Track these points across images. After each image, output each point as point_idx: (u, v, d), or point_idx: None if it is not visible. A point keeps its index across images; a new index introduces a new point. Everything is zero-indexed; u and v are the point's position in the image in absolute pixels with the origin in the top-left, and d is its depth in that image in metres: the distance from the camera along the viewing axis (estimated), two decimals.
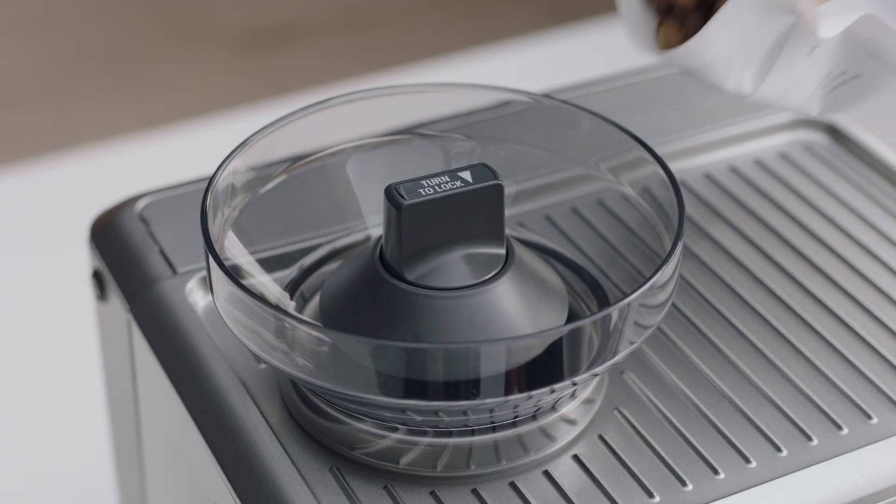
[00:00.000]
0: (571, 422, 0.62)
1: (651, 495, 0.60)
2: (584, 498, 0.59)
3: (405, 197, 0.59)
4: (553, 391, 0.58)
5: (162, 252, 0.71)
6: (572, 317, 0.62)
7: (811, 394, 0.64)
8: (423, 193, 0.59)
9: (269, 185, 0.66)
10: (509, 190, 0.64)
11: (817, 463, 0.61)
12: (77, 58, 1.80)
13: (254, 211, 0.66)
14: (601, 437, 0.62)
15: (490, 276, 0.60)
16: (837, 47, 0.66)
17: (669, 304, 0.60)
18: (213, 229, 0.62)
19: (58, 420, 1.08)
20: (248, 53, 1.81)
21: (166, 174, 0.83)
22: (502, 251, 0.61)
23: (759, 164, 0.79)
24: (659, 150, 0.68)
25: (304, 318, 0.64)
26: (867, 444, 0.62)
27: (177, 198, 0.75)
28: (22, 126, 1.66)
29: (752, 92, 0.67)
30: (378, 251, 0.61)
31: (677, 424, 0.63)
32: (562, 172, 0.70)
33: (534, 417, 0.61)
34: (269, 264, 0.66)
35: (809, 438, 0.62)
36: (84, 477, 1.03)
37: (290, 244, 0.67)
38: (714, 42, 0.65)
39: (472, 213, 0.60)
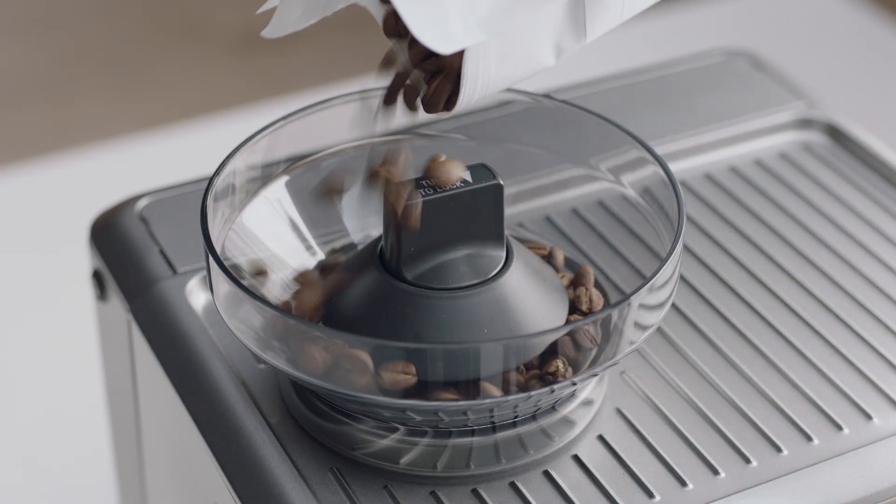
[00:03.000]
0: (571, 422, 0.62)
1: (651, 495, 0.59)
2: (584, 498, 0.59)
3: (405, 197, 0.59)
4: (553, 391, 0.58)
5: (162, 252, 0.71)
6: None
7: (811, 394, 0.64)
8: (424, 193, 0.59)
9: (270, 186, 0.66)
10: (509, 190, 0.64)
11: (817, 463, 0.61)
12: (77, 58, 1.79)
13: (254, 211, 0.66)
14: (601, 437, 0.62)
15: (490, 276, 0.60)
16: None
17: (669, 304, 0.60)
18: (213, 229, 0.62)
19: (58, 420, 1.08)
20: (248, 53, 1.81)
21: (166, 174, 0.83)
22: (502, 251, 0.61)
23: (759, 164, 0.79)
24: (659, 150, 0.68)
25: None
26: (867, 444, 0.62)
27: (177, 198, 0.75)
28: (22, 126, 1.66)
29: (581, 43, 0.59)
30: (378, 251, 0.61)
31: (677, 424, 0.63)
32: (562, 172, 0.70)
33: (534, 417, 0.61)
34: (270, 264, 0.66)
35: (809, 438, 0.62)
36: (84, 476, 1.03)
37: (290, 244, 0.67)
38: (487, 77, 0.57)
39: (472, 213, 0.60)
